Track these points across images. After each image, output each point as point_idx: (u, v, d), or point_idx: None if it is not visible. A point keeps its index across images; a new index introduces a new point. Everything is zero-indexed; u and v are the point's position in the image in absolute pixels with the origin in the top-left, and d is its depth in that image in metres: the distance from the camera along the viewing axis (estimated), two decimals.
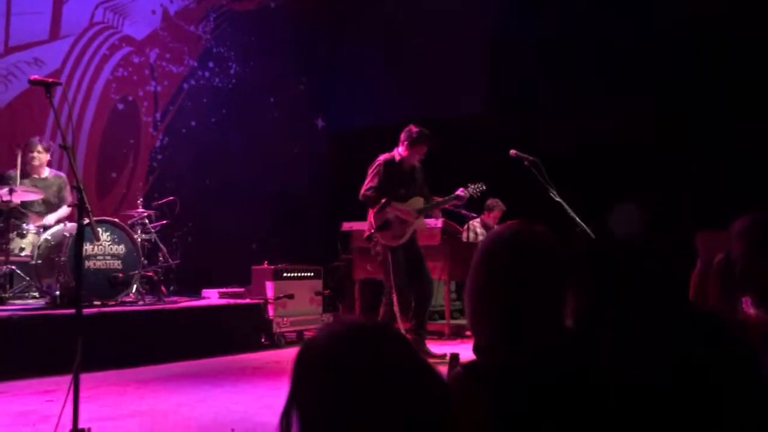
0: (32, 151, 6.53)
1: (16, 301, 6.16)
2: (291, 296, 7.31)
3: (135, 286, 6.58)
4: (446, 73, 9.52)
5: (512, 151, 5.54)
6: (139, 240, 6.69)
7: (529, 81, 8.69)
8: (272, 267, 7.39)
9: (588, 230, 5.00)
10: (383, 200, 5.87)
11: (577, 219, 4.98)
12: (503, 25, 9.08)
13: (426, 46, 9.63)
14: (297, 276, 7.50)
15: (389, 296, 5.88)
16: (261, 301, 7.20)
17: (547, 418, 1.41)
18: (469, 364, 1.55)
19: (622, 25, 8.09)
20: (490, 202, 8.21)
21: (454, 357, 1.87)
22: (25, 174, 6.52)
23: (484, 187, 6.28)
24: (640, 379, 1.44)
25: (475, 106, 9.48)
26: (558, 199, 5.13)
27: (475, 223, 8.27)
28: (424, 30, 9.68)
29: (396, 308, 5.76)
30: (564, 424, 1.41)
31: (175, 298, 7.17)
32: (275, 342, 7.10)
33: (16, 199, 6.06)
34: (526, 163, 5.37)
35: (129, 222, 6.85)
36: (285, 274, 7.38)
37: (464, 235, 8.12)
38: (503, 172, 6.41)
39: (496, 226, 8.22)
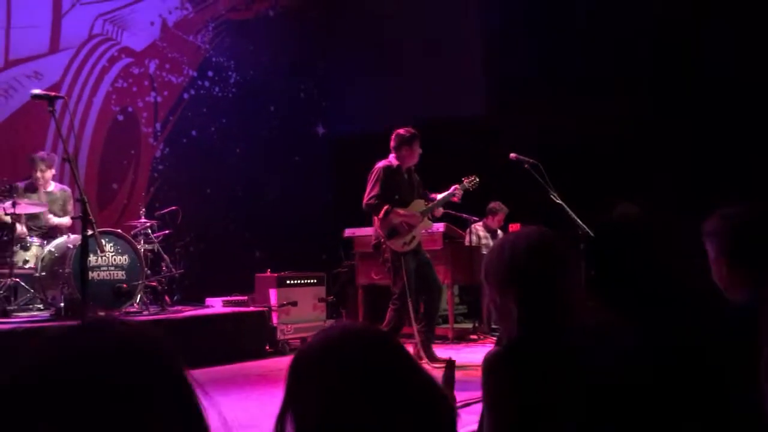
0: (36, 170, 6.52)
1: (21, 314, 6.18)
2: (294, 303, 7.32)
3: (139, 296, 6.60)
4: (445, 76, 9.56)
5: (512, 155, 5.57)
6: (142, 250, 6.71)
7: (529, 81, 8.72)
8: (275, 274, 7.40)
9: (589, 231, 5.02)
10: (386, 207, 5.88)
11: (578, 220, 5.00)
12: (502, 24, 9.11)
13: (425, 49, 9.67)
14: (300, 283, 7.51)
15: (397, 302, 5.88)
16: (265, 308, 7.21)
17: (565, 400, 1.47)
18: (501, 349, 1.67)
19: (623, 21, 8.12)
20: (492, 205, 8.23)
21: (450, 363, 1.93)
22: (32, 188, 6.53)
23: (478, 180, 6.30)
24: (653, 364, 1.48)
25: (476, 107, 9.52)
26: (559, 201, 5.15)
27: (478, 227, 8.28)
28: (422, 33, 9.72)
29: (411, 313, 5.77)
30: (581, 409, 1.47)
31: (178, 307, 7.18)
32: (279, 349, 7.10)
33: (20, 211, 6.08)
34: (526, 165, 5.40)
35: (132, 232, 6.87)
36: (288, 282, 7.40)
37: (467, 238, 8.12)
38: (504, 174, 6.44)
39: (499, 230, 8.28)
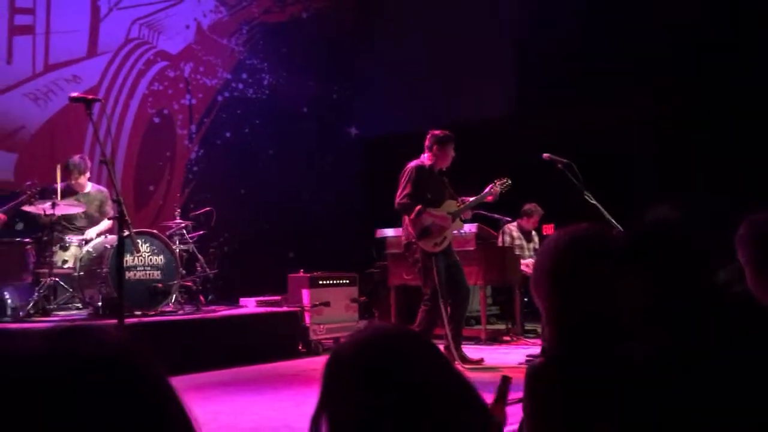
0: (71, 173, 6.61)
1: (60, 312, 6.32)
2: (327, 304, 7.36)
3: (174, 296, 6.70)
4: (477, 76, 9.52)
5: (545, 155, 5.52)
6: (178, 250, 6.80)
7: (559, 80, 8.64)
8: (308, 275, 7.44)
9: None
10: (418, 207, 5.87)
11: (613, 221, 4.93)
12: (531, 23, 9.05)
13: (457, 50, 9.64)
14: (332, 283, 7.54)
15: (429, 303, 5.87)
16: (297, 308, 7.26)
17: (611, 413, 1.44)
18: (547, 360, 1.61)
19: (648, 19, 8.00)
20: (528, 207, 8.14)
21: (506, 379, 1.84)
22: (70, 190, 6.63)
23: (510, 182, 6.26)
24: (703, 373, 1.44)
25: (508, 107, 9.46)
26: (593, 201, 5.09)
27: (512, 227, 8.21)
28: (453, 34, 9.70)
29: (442, 314, 5.75)
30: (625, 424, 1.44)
31: (213, 307, 7.27)
32: (312, 349, 7.14)
33: (59, 212, 6.20)
34: (559, 165, 5.35)
35: (167, 233, 6.96)
36: (321, 282, 7.43)
37: (500, 239, 8.08)
38: (537, 175, 6.39)
39: (533, 232, 8.21)
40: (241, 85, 9.99)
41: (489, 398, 1.36)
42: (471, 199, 6.21)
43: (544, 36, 8.87)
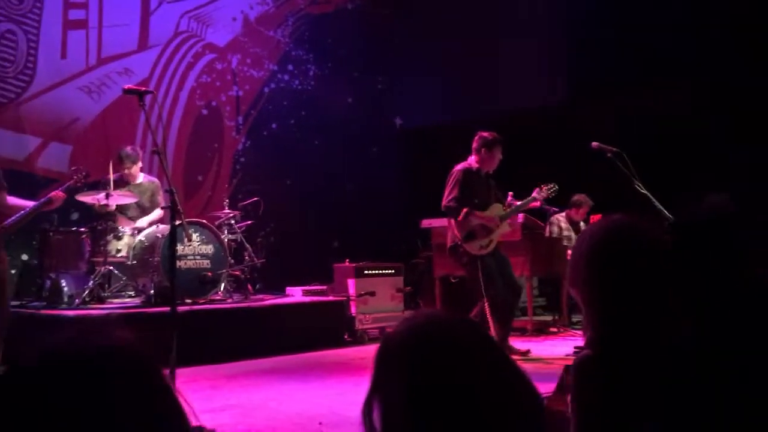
0: (123, 164, 6.75)
1: (114, 300, 6.49)
2: (372, 293, 7.40)
3: (223, 285, 6.81)
4: (522, 64, 9.40)
5: (594, 144, 5.42)
6: (226, 240, 6.91)
7: (608, 67, 8.46)
8: (353, 265, 7.49)
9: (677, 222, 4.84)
10: (465, 210, 5.83)
11: (665, 211, 4.83)
12: (580, 8, 8.88)
13: (502, 38, 9.53)
14: (378, 273, 7.58)
15: (481, 304, 5.80)
16: (343, 298, 7.32)
17: (656, 404, 1.42)
18: (591, 354, 1.58)
19: (708, 5, 7.77)
20: (577, 197, 8.03)
21: (567, 368, 1.83)
22: (122, 181, 6.77)
23: (557, 188, 6.18)
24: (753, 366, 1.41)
25: (555, 96, 9.32)
26: (644, 191, 4.98)
27: (560, 218, 8.11)
28: (499, 21, 9.58)
29: (488, 316, 5.69)
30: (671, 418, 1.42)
31: (260, 296, 7.38)
32: (358, 339, 7.20)
33: (112, 203, 6.36)
34: (609, 155, 5.25)
35: (215, 223, 7.08)
36: (366, 272, 7.47)
37: (547, 230, 7.99)
38: (585, 164, 6.29)
39: (582, 223, 8.10)
40: (287, 77, 10.07)
41: (541, 388, 1.36)
42: (517, 202, 6.15)
43: (592, 20, 8.68)
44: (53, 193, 4.82)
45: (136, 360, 0.96)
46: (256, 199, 7.77)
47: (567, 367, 1.81)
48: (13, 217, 4.65)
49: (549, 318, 7.94)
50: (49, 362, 0.92)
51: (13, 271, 6.07)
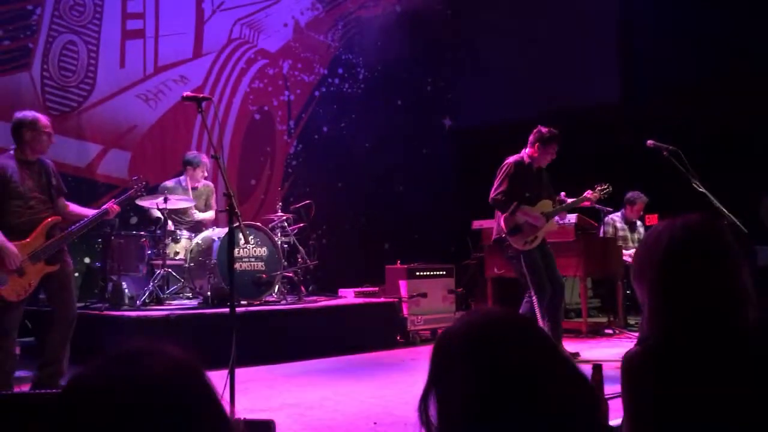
0: (195, 169, 6.99)
1: (173, 301, 6.66)
2: (424, 295, 7.41)
3: (277, 287, 6.92)
4: (575, 64, 9.28)
5: (649, 142, 5.34)
6: (279, 243, 7.02)
7: (665, 65, 8.29)
8: (405, 266, 7.52)
9: (736, 221, 4.73)
10: (513, 205, 5.78)
11: (724, 210, 4.73)
12: (635, 6, 8.72)
13: (553, 37, 9.42)
14: (429, 275, 7.58)
15: (529, 295, 5.78)
16: (395, 299, 7.35)
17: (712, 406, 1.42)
18: (644, 349, 1.58)
19: None
20: (631, 195, 7.88)
21: (597, 367, 1.84)
22: (180, 186, 6.99)
23: (611, 189, 6.08)
24: None
25: (609, 95, 9.17)
26: (702, 189, 4.89)
27: (615, 217, 7.98)
28: (550, 20, 9.48)
29: (536, 308, 5.66)
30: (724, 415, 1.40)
31: (314, 298, 7.47)
32: (410, 340, 7.22)
33: (170, 207, 6.54)
34: (665, 153, 5.17)
35: (269, 226, 7.19)
36: (418, 273, 7.49)
37: (601, 230, 7.86)
38: (641, 162, 6.18)
39: (638, 221, 7.95)
40: (337, 80, 10.17)
41: None
42: (568, 200, 6.07)
43: (649, 16, 8.51)
44: (108, 205, 4.99)
45: (173, 393, 0.92)
46: (307, 202, 7.87)
47: (596, 366, 1.81)
48: (77, 224, 4.85)
49: (604, 320, 7.81)
50: (73, 395, 0.90)
51: (76, 275, 6.27)
